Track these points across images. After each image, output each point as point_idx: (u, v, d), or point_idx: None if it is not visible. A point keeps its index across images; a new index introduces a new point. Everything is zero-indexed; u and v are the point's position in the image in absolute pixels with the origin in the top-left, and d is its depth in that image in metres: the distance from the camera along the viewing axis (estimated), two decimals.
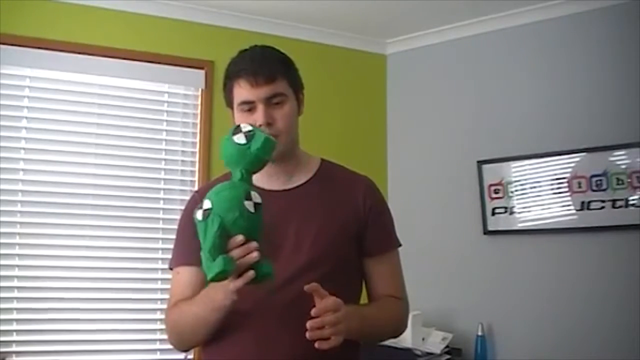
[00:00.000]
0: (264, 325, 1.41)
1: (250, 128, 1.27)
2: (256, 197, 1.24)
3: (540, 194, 3.09)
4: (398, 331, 1.61)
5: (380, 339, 1.60)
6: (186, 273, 1.53)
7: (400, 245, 1.62)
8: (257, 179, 1.53)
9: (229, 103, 1.53)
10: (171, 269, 1.58)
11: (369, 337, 1.53)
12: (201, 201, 1.24)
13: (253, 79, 1.44)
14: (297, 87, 1.54)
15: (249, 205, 1.22)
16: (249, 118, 1.46)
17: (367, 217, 1.54)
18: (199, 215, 1.21)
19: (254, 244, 1.23)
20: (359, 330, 1.40)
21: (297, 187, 1.54)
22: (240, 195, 1.22)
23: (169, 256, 1.61)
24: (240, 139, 1.26)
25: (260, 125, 1.44)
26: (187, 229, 1.57)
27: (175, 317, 1.50)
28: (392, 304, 1.56)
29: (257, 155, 1.27)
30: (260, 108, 1.45)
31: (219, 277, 1.20)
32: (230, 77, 1.50)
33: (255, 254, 1.23)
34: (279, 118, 1.47)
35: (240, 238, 1.22)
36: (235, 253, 1.22)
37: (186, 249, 1.55)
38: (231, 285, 1.25)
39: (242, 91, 1.46)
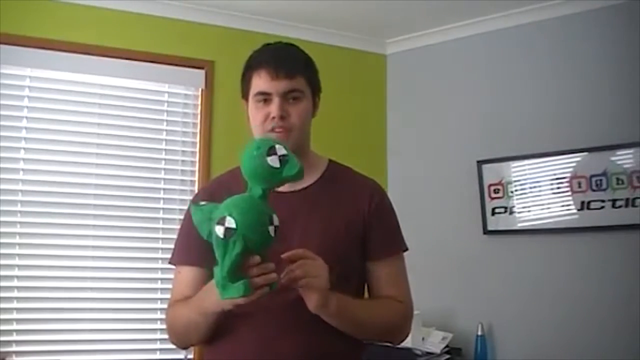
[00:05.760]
0: (265, 326, 1.40)
1: (284, 152, 1.25)
2: (276, 220, 1.24)
3: (540, 194, 3.09)
4: (395, 332, 1.57)
5: (370, 333, 1.52)
6: (187, 273, 1.53)
7: (406, 249, 1.60)
8: None
9: (245, 94, 1.53)
10: (172, 264, 1.59)
11: (353, 326, 1.44)
12: (220, 215, 1.21)
13: (274, 71, 1.45)
14: (315, 87, 1.55)
15: (271, 230, 1.22)
16: (264, 109, 1.47)
17: (372, 220, 1.53)
18: (219, 232, 1.19)
19: (271, 266, 1.23)
20: (340, 311, 1.36)
21: (304, 188, 1.52)
22: (266, 220, 1.21)
23: (169, 256, 1.61)
24: (274, 162, 1.23)
25: (274, 118, 1.45)
26: (191, 227, 1.56)
27: (171, 317, 1.52)
28: (389, 302, 1.52)
29: (287, 180, 1.26)
30: (276, 101, 1.46)
31: (236, 299, 1.21)
32: (251, 67, 1.50)
33: (273, 275, 1.23)
34: (294, 113, 1.47)
35: (257, 259, 1.22)
36: (253, 272, 1.22)
37: (189, 247, 1.55)
38: (242, 300, 1.23)
39: (261, 82, 1.47)
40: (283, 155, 1.24)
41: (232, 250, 1.19)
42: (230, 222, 1.19)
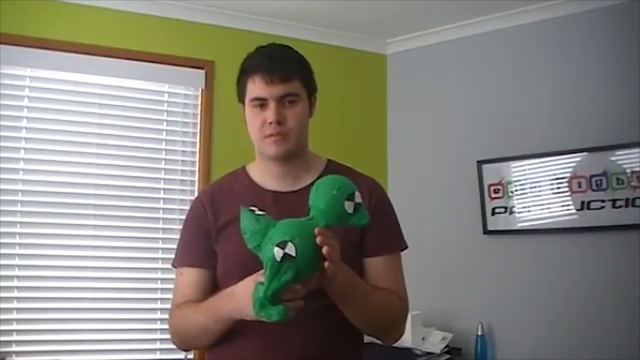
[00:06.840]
0: (267, 328, 1.39)
1: (360, 200, 1.30)
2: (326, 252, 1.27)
3: (540, 194, 3.09)
4: (393, 325, 1.55)
5: (371, 322, 1.48)
6: (190, 274, 1.53)
7: (405, 248, 1.60)
8: (265, 181, 1.55)
9: (241, 98, 1.53)
10: (175, 266, 1.59)
11: (356, 306, 1.42)
12: (282, 237, 1.21)
13: (268, 76, 1.45)
14: (310, 89, 1.54)
15: (321, 265, 1.25)
16: (260, 115, 1.47)
17: (369, 218, 1.53)
18: (277, 255, 1.20)
19: (302, 290, 1.25)
20: (346, 284, 1.35)
21: (303, 188, 1.52)
22: (321, 255, 1.24)
23: (169, 256, 1.61)
24: (349, 207, 1.28)
25: (270, 123, 1.45)
26: (192, 229, 1.57)
27: (179, 321, 1.51)
28: (390, 292, 1.51)
29: (351, 225, 1.29)
30: (272, 106, 1.45)
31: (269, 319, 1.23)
32: (245, 72, 1.50)
33: (302, 302, 1.25)
34: (290, 117, 1.47)
35: (299, 287, 1.23)
36: (289, 297, 1.23)
37: (190, 249, 1.56)
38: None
39: (256, 88, 1.46)
40: (358, 204, 1.29)
41: (284, 275, 1.20)
42: (291, 249, 1.20)
